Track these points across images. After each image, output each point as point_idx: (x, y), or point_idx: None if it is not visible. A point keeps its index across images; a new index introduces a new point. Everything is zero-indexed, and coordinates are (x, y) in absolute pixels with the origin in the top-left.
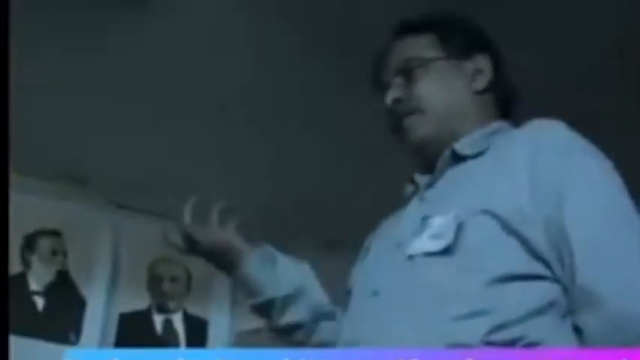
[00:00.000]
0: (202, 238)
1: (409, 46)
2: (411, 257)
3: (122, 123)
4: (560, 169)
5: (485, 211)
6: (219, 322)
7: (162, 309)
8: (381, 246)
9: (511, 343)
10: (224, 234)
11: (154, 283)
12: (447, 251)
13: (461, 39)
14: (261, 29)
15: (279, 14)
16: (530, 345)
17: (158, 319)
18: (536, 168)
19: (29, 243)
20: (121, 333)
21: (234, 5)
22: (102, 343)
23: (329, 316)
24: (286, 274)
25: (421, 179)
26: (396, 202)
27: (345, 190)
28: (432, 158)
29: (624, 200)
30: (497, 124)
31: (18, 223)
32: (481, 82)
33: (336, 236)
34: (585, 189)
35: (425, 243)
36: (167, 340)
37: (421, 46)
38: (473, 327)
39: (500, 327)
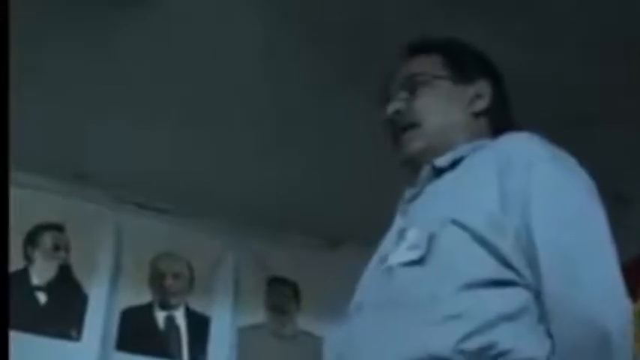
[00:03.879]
0: None
1: (416, 63)
2: (389, 269)
3: (125, 119)
4: (525, 180)
5: (456, 222)
6: (222, 319)
7: (164, 305)
8: (372, 262)
9: (484, 350)
10: None
11: (157, 279)
12: (421, 260)
13: (466, 63)
14: (264, 28)
15: (282, 12)
16: (503, 353)
17: (160, 315)
18: (504, 180)
19: (31, 238)
20: (123, 329)
21: (237, 3)
22: (104, 339)
23: None
24: None
25: (408, 193)
26: (398, 202)
27: (348, 189)
28: (419, 173)
29: (587, 204)
30: (480, 142)
31: (20, 219)
32: (479, 106)
33: (338, 235)
34: (548, 197)
35: (402, 254)
36: (169, 336)
37: (428, 65)
38: (446, 333)
39: (472, 333)
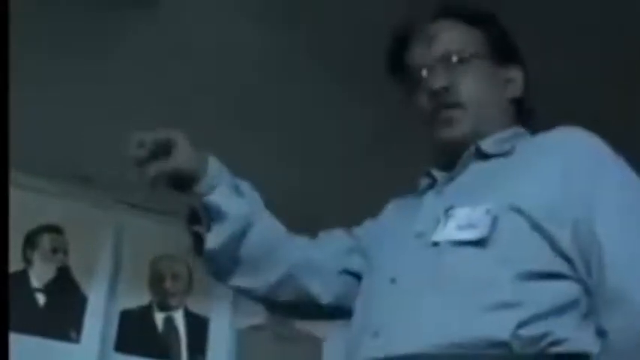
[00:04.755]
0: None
1: (456, 35)
2: (435, 244)
3: (125, 120)
4: (593, 175)
5: (516, 208)
6: (221, 320)
7: (163, 306)
8: (396, 235)
9: (539, 339)
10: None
11: (156, 280)
12: (480, 242)
13: (504, 45)
14: (265, 28)
15: (282, 13)
16: (557, 342)
17: (159, 317)
18: (567, 171)
19: (30, 240)
20: (122, 330)
21: (239, 7)
22: (103, 341)
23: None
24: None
25: (439, 174)
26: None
27: (348, 189)
28: (458, 154)
29: None
30: (516, 129)
31: (19, 220)
32: (512, 92)
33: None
34: (616, 194)
35: (452, 232)
36: (168, 337)
37: (470, 40)
38: (503, 319)
39: (528, 321)
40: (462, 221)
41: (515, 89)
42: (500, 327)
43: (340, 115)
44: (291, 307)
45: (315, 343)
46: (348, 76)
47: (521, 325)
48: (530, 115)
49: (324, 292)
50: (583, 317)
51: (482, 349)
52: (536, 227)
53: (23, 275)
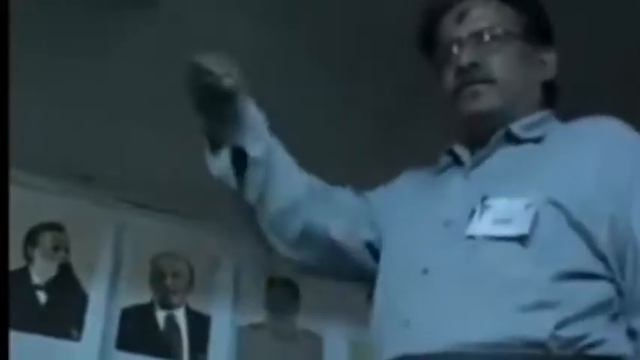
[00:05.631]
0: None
1: (490, 12)
2: (471, 238)
3: (126, 120)
4: (631, 167)
5: (554, 202)
6: (222, 318)
7: (164, 304)
8: (417, 216)
9: (577, 340)
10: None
11: (157, 278)
12: (521, 239)
13: (539, 26)
14: (265, 28)
15: (282, 13)
16: (594, 344)
17: (160, 315)
18: (605, 164)
19: (31, 237)
20: (123, 328)
21: (239, 7)
22: (104, 339)
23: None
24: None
25: (463, 153)
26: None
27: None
28: (483, 132)
29: None
30: (546, 113)
31: (20, 218)
32: (545, 74)
33: None
34: None
35: (489, 226)
36: (169, 335)
37: (503, 18)
38: (541, 319)
39: (566, 322)
40: (499, 215)
41: (548, 72)
42: (538, 327)
43: (340, 115)
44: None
45: (316, 341)
46: (348, 76)
47: (560, 325)
48: (554, 97)
49: (336, 227)
50: (613, 318)
51: (518, 349)
52: (574, 224)
53: (24, 273)
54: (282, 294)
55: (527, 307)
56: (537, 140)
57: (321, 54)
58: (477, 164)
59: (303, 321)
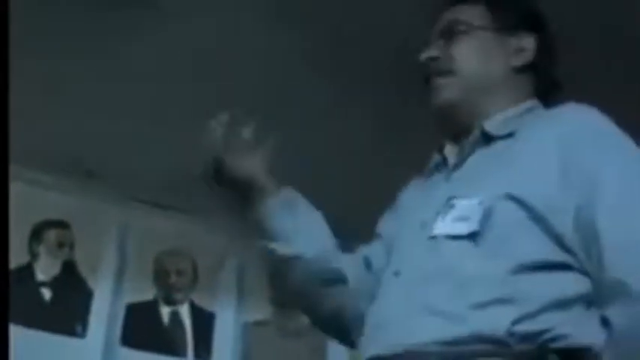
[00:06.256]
0: (231, 163)
1: (458, 11)
2: (433, 238)
3: (130, 117)
4: (594, 157)
5: (513, 197)
6: (226, 315)
7: (169, 301)
8: (406, 221)
9: (537, 335)
10: (252, 161)
11: (161, 275)
12: (472, 236)
13: (510, 14)
14: (265, 28)
15: (282, 12)
16: (557, 338)
17: (165, 311)
18: (568, 155)
19: (36, 234)
20: (127, 324)
21: (239, 7)
22: (109, 335)
23: (343, 281)
24: (305, 231)
25: (450, 152)
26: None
27: (349, 186)
28: (453, 126)
29: None
30: (528, 104)
31: (25, 214)
32: (520, 60)
33: (340, 230)
34: (619, 180)
35: (449, 225)
36: (174, 332)
37: (469, 14)
38: (497, 316)
39: (525, 317)
40: (458, 213)
41: (525, 57)
42: (494, 324)
43: (340, 115)
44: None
45: (320, 338)
46: (348, 76)
47: (517, 321)
48: (551, 85)
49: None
50: (587, 309)
51: (477, 346)
52: (536, 217)
53: (29, 269)
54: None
55: (483, 303)
56: (510, 135)
57: (321, 54)
58: (458, 166)
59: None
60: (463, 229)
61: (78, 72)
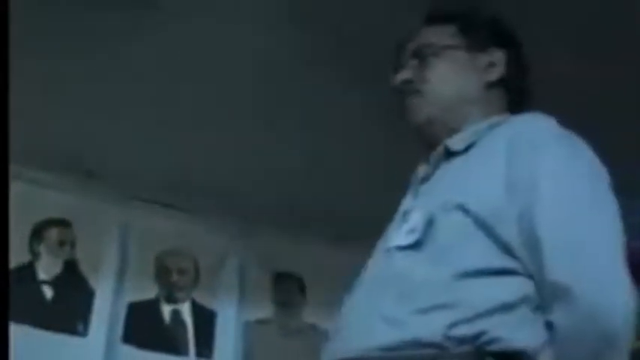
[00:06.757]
0: None
1: (430, 33)
2: (387, 250)
3: (132, 117)
4: (531, 164)
5: (459, 207)
6: (227, 313)
7: (170, 299)
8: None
9: (473, 339)
10: None
11: (162, 274)
12: (416, 245)
13: (480, 32)
14: (265, 28)
15: (282, 12)
16: (492, 341)
17: (166, 309)
18: (511, 163)
19: (37, 233)
20: (129, 323)
21: (240, 7)
22: (110, 334)
23: None
24: None
25: (421, 167)
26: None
27: (353, 184)
28: (432, 142)
29: (596, 191)
30: (495, 119)
31: (26, 214)
32: (492, 75)
33: (343, 230)
34: (554, 183)
35: (401, 236)
36: (175, 330)
37: (440, 35)
38: (435, 321)
39: (462, 321)
40: (409, 225)
41: (496, 72)
42: (431, 328)
43: (341, 115)
44: None
45: (321, 337)
46: (348, 75)
47: (453, 325)
48: (522, 97)
49: None
50: (533, 312)
51: (415, 350)
52: (480, 225)
53: (30, 268)
54: (287, 289)
55: (424, 309)
56: (468, 148)
57: (321, 54)
58: (424, 180)
59: (308, 315)
60: (410, 239)
61: (78, 72)
